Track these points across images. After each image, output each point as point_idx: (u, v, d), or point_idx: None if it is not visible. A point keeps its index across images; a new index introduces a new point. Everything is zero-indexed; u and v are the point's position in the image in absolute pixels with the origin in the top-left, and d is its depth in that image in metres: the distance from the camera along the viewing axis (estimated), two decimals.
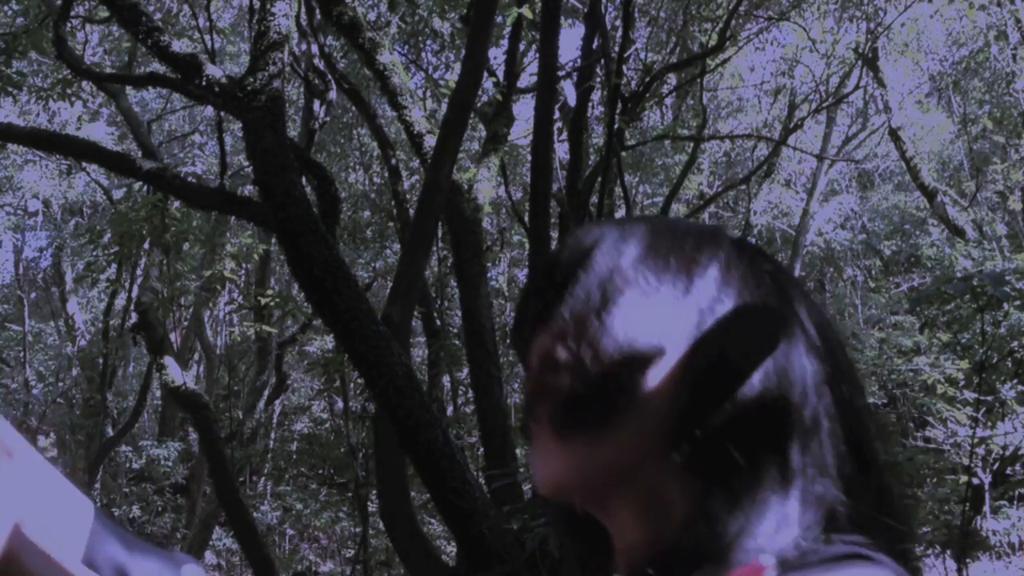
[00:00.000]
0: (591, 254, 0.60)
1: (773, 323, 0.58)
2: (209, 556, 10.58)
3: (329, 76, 6.03)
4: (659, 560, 0.55)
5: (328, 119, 6.65)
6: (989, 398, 4.62)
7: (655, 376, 0.56)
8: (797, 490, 0.54)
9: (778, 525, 0.52)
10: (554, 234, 5.52)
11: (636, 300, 0.58)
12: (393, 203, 7.70)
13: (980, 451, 5.89)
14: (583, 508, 0.62)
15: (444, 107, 5.10)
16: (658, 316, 0.57)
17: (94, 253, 6.45)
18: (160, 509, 10.35)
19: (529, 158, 5.76)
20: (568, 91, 8.68)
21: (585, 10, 6.34)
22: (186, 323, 11.91)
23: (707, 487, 0.54)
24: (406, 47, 8.59)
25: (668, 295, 0.58)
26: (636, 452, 0.57)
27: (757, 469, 0.54)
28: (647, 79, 6.64)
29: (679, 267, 0.59)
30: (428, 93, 8.80)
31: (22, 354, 12.07)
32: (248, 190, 8.83)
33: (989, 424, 5.30)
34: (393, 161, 6.45)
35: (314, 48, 5.94)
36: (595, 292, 0.59)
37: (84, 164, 8.88)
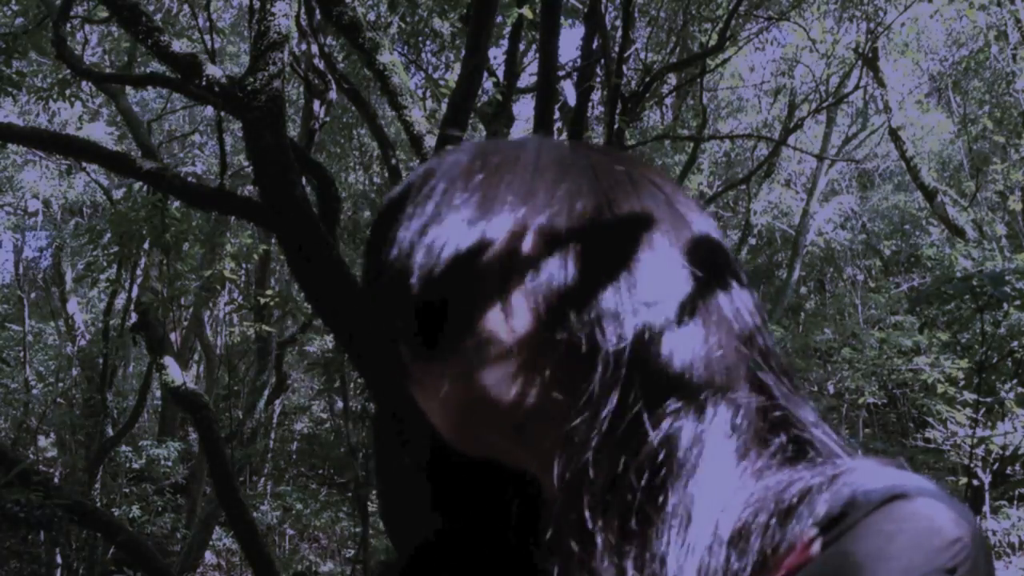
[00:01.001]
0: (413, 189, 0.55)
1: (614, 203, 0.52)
2: (209, 556, 10.58)
3: (329, 76, 6.03)
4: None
5: (328, 119, 6.64)
6: (989, 399, 4.62)
7: (509, 256, 0.50)
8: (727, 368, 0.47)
9: (738, 440, 0.45)
10: None
11: (468, 197, 0.52)
12: None
13: (980, 451, 5.89)
14: (500, 458, 0.52)
15: (444, 107, 5.10)
16: (496, 204, 0.51)
17: (94, 253, 6.45)
18: (160, 509, 10.34)
19: None
20: (568, 91, 8.69)
21: (585, 10, 6.33)
22: (186, 323, 11.91)
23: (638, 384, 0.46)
24: (406, 47, 8.58)
25: (504, 187, 0.52)
26: (529, 339, 0.48)
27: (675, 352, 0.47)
28: (647, 79, 6.64)
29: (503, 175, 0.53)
30: (428, 93, 8.79)
31: (22, 354, 12.06)
32: (248, 190, 8.83)
33: (989, 424, 5.30)
34: (393, 161, 6.44)
35: (314, 48, 5.93)
36: (424, 205, 0.52)
37: (84, 164, 8.87)
